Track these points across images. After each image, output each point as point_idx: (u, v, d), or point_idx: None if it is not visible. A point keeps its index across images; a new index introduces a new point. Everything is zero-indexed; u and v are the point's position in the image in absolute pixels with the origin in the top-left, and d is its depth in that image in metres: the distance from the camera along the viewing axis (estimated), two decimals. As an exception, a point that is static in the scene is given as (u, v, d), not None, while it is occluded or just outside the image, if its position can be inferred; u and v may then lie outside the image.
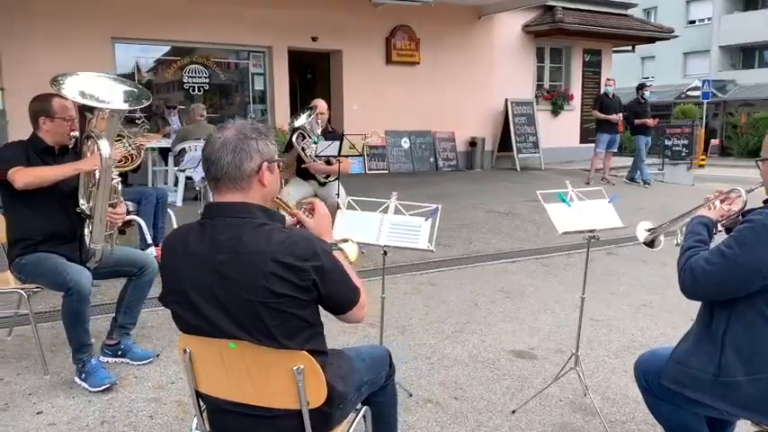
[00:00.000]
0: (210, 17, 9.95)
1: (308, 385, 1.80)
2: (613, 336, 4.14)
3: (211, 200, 1.84)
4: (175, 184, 8.51)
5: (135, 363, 3.46)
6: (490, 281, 5.30)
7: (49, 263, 3.13)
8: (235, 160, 1.73)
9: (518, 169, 12.83)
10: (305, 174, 6.09)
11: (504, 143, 13.23)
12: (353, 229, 2.91)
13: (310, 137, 5.93)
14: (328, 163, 5.95)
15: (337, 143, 5.68)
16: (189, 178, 8.38)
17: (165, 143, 8.44)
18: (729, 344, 2.01)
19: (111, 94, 3.25)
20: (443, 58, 12.38)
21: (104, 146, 3.06)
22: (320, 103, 6.02)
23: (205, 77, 10.42)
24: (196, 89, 10.36)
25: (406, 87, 12.01)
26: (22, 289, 3.25)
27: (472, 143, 13.05)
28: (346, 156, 5.89)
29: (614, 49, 15.46)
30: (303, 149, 5.88)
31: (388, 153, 12.16)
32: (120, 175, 5.08)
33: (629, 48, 15.91)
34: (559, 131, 14.15)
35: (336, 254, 1.99)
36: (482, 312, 4.51)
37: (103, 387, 3.11)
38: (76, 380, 3.18)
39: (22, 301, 3.43)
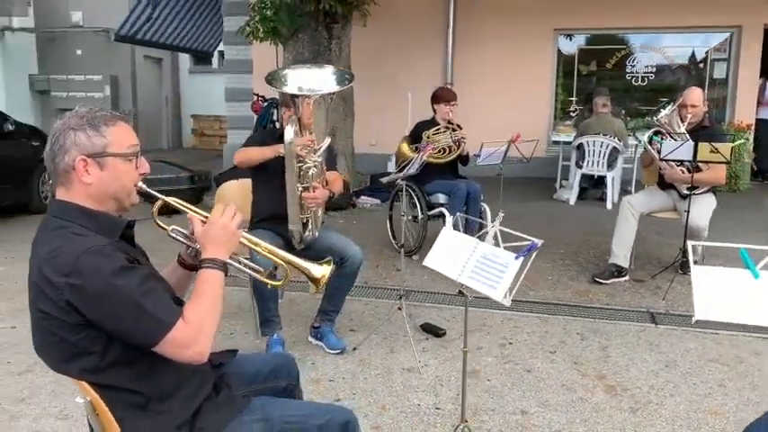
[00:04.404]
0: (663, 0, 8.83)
1: (102, 422, 1.55)
2: None
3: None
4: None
5: (327, 350, 3.53)
6: None
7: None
8: (49, 153, 1.57)
9: None
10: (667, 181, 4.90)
11: None
12: (445, 256, 2.26)
13: (671, 135, 4.73)
14: (697, 169, 4.64)
15: (690, 144, 4.39)
16: (593, 177, 7.83)
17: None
18: None
19: (320, 83, 3.37)
20: None
21: (288, 132, 3.18)
22: (688, 94, 4.72)
23: (651, 66, 9.34)
24: (639, 79, 9.41)
25: None
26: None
27: None
28: (711, 162, 4.47)
29: None
30: (658, 151, 4.74)
31: None
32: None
33: None
34: None
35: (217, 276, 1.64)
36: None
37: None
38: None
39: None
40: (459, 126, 5.20)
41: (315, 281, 1.86)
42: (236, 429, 1.67)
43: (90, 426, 1.66)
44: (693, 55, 9.45)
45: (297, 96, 3.26)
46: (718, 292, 1.57)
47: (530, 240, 1.99)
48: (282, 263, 1.84)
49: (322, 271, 1.85)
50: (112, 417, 1.53)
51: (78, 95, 12.84)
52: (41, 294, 1.48)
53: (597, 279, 4.74)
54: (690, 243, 1.70)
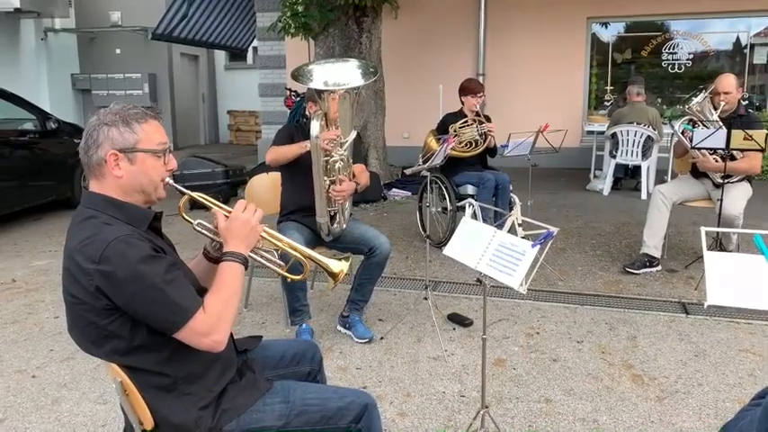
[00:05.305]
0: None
1: (132, 403, 1.64)
2: None
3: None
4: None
5: (356, 339, 3.59)
6: None
7: (283, 232, 3.53)
8: (84, 146, 1.66)
9: None
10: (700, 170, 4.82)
11: None
12: (464, 245, 2.29)
13: (703, 123, 4.65)
14: (731, 158, 4.56)
15: (722, 132, 4.32)
16: (627, 167, 7.73)
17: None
18: None
19: (345, 77, 3.41)
20: None
21: (313, 126, 3.24)
22: (721, 81, 4.62)
23: (688, 53, 9.14)
24: (676, 67, 9.22)
25: None
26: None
27: None
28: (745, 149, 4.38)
29: None
30: (690, 139, 4.66)
31: None
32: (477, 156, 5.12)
33: None
34: None
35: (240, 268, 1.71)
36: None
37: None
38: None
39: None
40: (487, 118, 5.19)
41: (333, 276, 1.91)
42: (258, 411, 1.74)
43: (122, 407, 1.75)
44: (732, 41, 9.21)
45: (322, 91, 3.32)
46: (731, 277, 1.57)
47: (546, 228, 2.01)
48: (303, 257, 1.90)
49: (340, 266, 1.91)
50: (141, 398, 1.61)
51: (118, 93, 13.19)
52: (73, 280, 1.57)
53: (628, 269, 4.70)
54: (703, 229, 1.70)
